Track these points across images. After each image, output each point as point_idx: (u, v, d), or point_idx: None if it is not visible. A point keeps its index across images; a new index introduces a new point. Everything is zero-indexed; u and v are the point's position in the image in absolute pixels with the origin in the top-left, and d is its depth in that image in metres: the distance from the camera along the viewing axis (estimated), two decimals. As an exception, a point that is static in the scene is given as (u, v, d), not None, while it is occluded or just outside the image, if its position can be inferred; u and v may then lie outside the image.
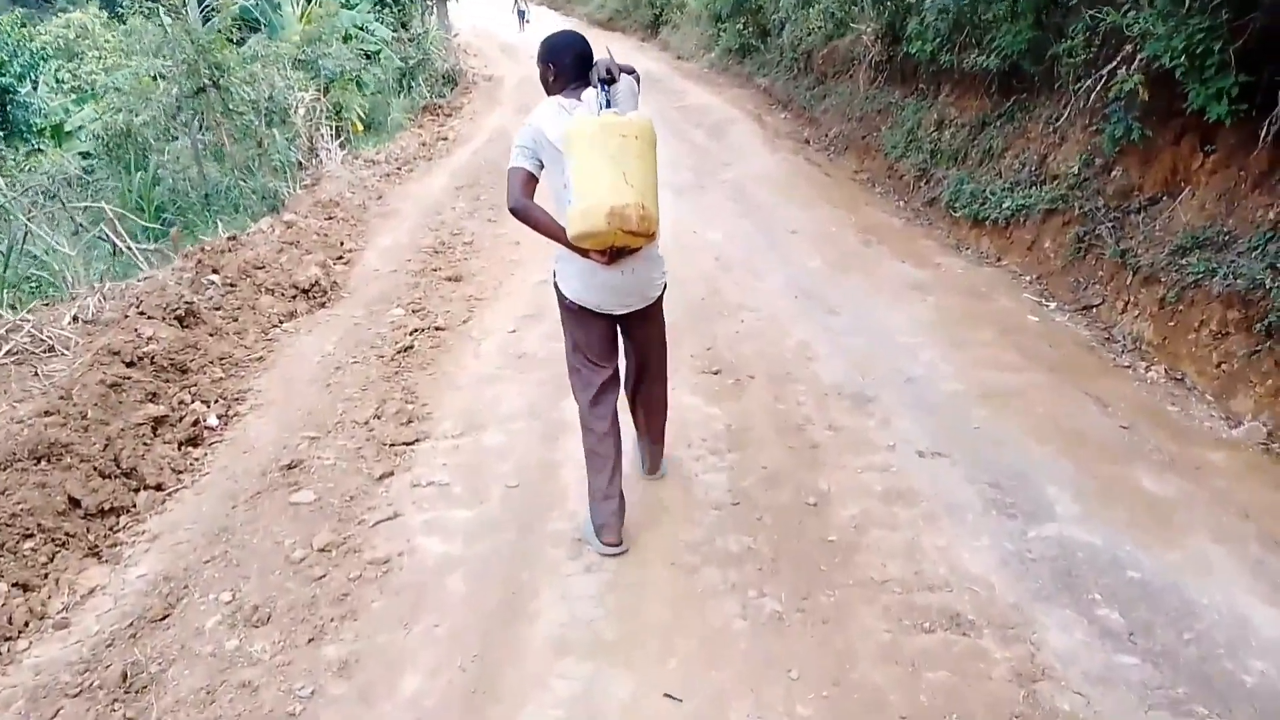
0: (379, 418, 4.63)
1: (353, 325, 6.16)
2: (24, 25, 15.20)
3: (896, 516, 3.71)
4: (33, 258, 7.45)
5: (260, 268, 7.08)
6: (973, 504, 3.78)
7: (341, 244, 8.35)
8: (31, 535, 3.44)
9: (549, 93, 3.25)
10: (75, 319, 5.85)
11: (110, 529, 3.76)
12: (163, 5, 9.76)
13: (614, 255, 3.16)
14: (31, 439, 3.84)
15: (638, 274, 3.30)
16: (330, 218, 9.24)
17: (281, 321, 6.33)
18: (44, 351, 5.28)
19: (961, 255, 7.17)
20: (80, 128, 11.54)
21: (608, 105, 3.01)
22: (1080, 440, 4.24)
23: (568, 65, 3.20)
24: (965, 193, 7.64)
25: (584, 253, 3.16)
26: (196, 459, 4.40)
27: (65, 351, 5.30)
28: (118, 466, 4.07)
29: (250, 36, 15.06)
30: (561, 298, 3.41)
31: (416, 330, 5.92)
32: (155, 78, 10.06)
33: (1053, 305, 6.00)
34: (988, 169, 7.68)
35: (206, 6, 10.78)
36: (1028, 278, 6.48)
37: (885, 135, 9.71)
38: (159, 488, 4.10)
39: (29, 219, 6.71)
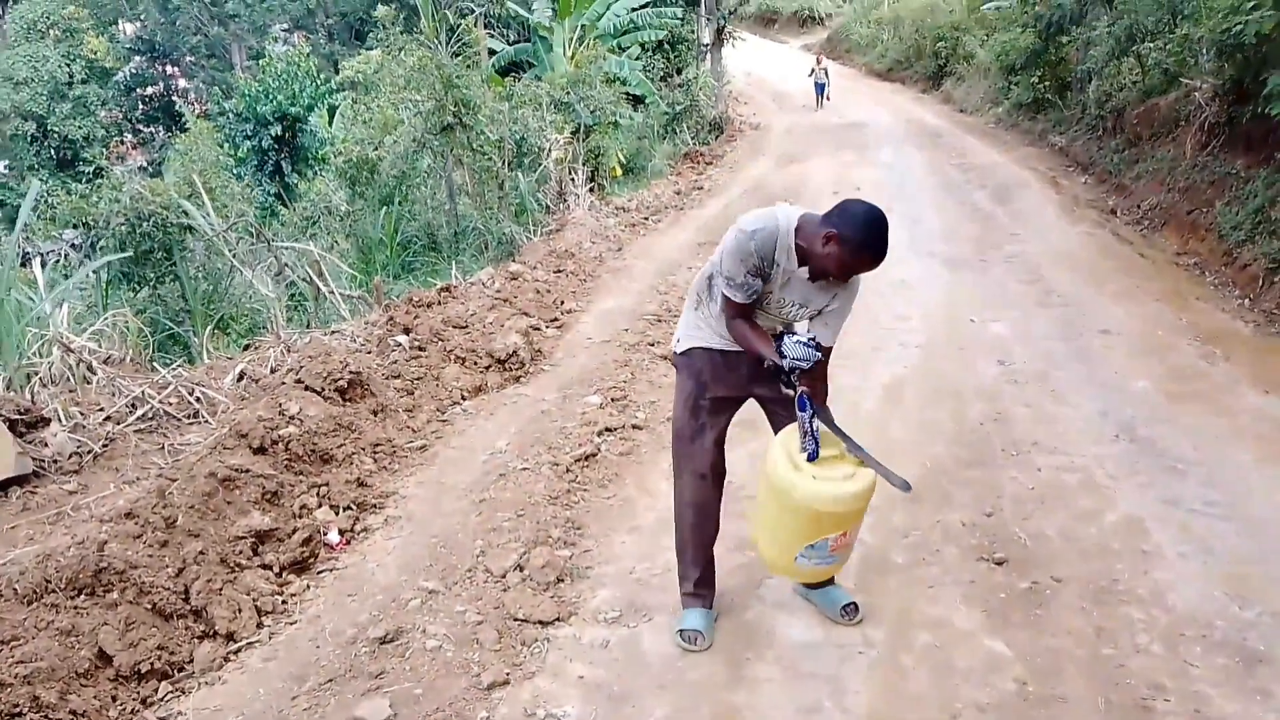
0: (521, 569, 3.45)
1: (539, 413, 5.11)
2: (308, 56, 15.98)
3: None
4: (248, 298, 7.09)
5: (461, 327, 6.27)
6: None
7: (561, 304, 7.47)
8: (20, 715, 2.54)
9: (805, 262, 2.74)
10: (242, 376, 5.22)
11: (141, 702, 2.83)
12: (417, 40, 9.46)
13: None
14: (77, 559, 3.00)
15: None
16: (559, 271, 8.44)
17: (464, 398, 5.41)
18: (188, 417, 4.62)
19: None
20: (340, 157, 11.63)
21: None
22: None
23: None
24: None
25: None
26: (293, 595, 3.43)
27: (210, 420, 4.62)
28: (186, 602, 3.17)
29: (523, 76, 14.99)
30: None
31: (607, 431, 4.77)
32: (402, 111, 9.78)
33: None
34: None
35: (460, 41, 10.45)
36: None
37: (1221, 212, 7.80)
38: (230, 638, 3.15)
39: (233, 254, 6.25)
